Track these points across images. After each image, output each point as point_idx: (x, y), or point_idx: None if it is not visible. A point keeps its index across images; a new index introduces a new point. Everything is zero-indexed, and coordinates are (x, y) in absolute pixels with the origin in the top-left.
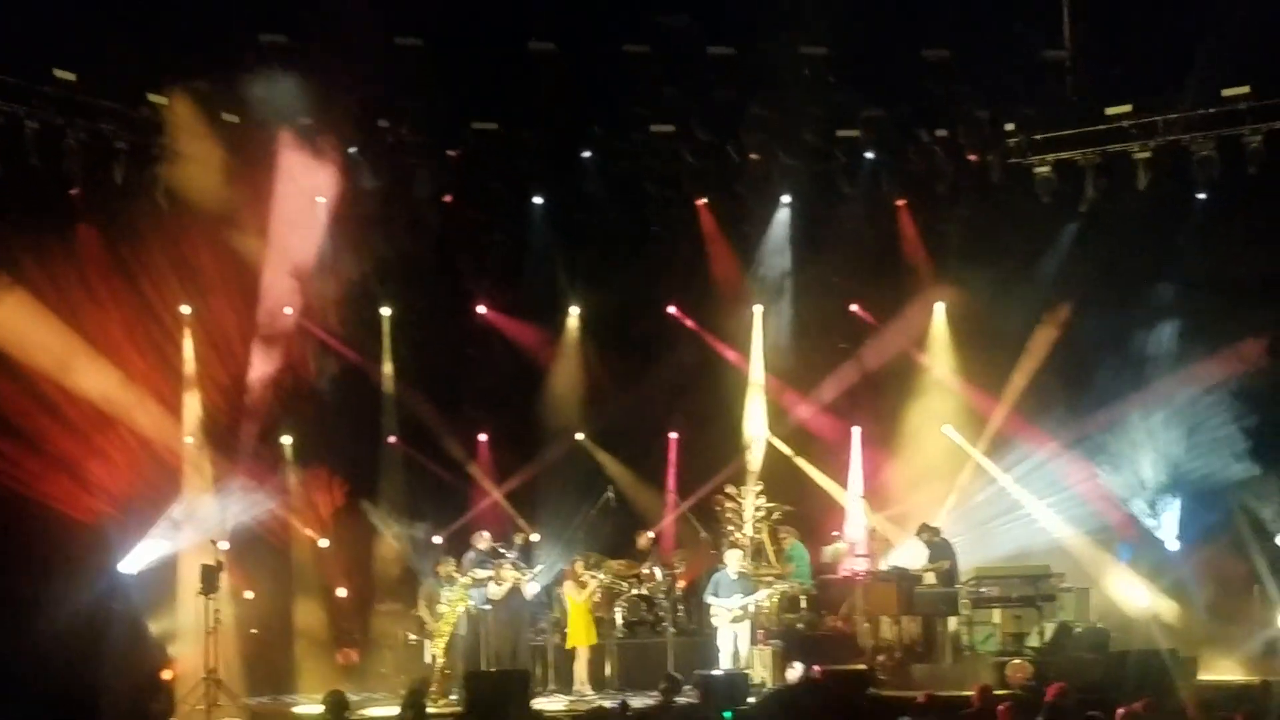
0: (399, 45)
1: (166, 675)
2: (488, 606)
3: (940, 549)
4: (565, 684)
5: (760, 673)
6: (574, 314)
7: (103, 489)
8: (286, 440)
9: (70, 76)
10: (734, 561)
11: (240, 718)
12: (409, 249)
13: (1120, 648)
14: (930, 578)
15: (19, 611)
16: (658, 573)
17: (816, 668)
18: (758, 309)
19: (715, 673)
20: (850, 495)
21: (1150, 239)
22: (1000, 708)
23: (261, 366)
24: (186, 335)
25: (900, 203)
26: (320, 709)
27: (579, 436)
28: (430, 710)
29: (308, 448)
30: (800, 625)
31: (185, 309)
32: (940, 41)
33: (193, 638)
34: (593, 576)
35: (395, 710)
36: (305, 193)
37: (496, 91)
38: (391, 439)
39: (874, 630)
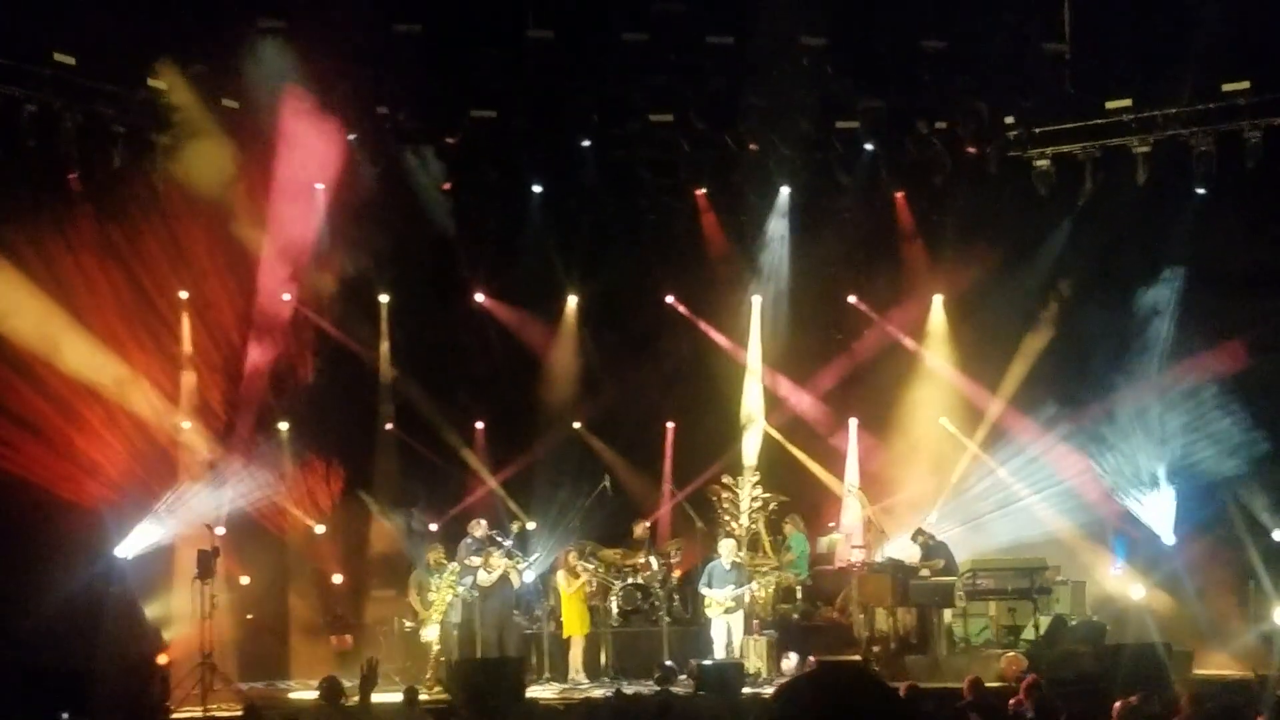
0: (398, 32)
1: (162, 660)
2: (474, 593)
3: (935, 550)
4: (560, 672)
5: (755, 663)
6: (571, 302)
7: (99, 473)
8: (283, 426)
9: (69, 59)
10: (727, 552)
11: (235, 703)
12: (406, 236)
13: (1115, 641)
14: (926, 570)
15: (14, 595)
16: (653, 562)
17: (811, 658)
18: (755, 299)
19: (710, 662)
20: (846, 486)
21: (1148, 233)
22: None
23: (258, 352)
24: (184, 320)
25: (898, 194)
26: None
27: (575, 425)
28: (425, 697)
29: (304, 434)
30: (795, 615)
31: (182, 294)
32: (939, 33)
33: (188, 623)
34: (585, 568)
35: (390, 696)
36: (303, 179)
37: (495, 79)
38: (388, 426)
39: (869, 621)
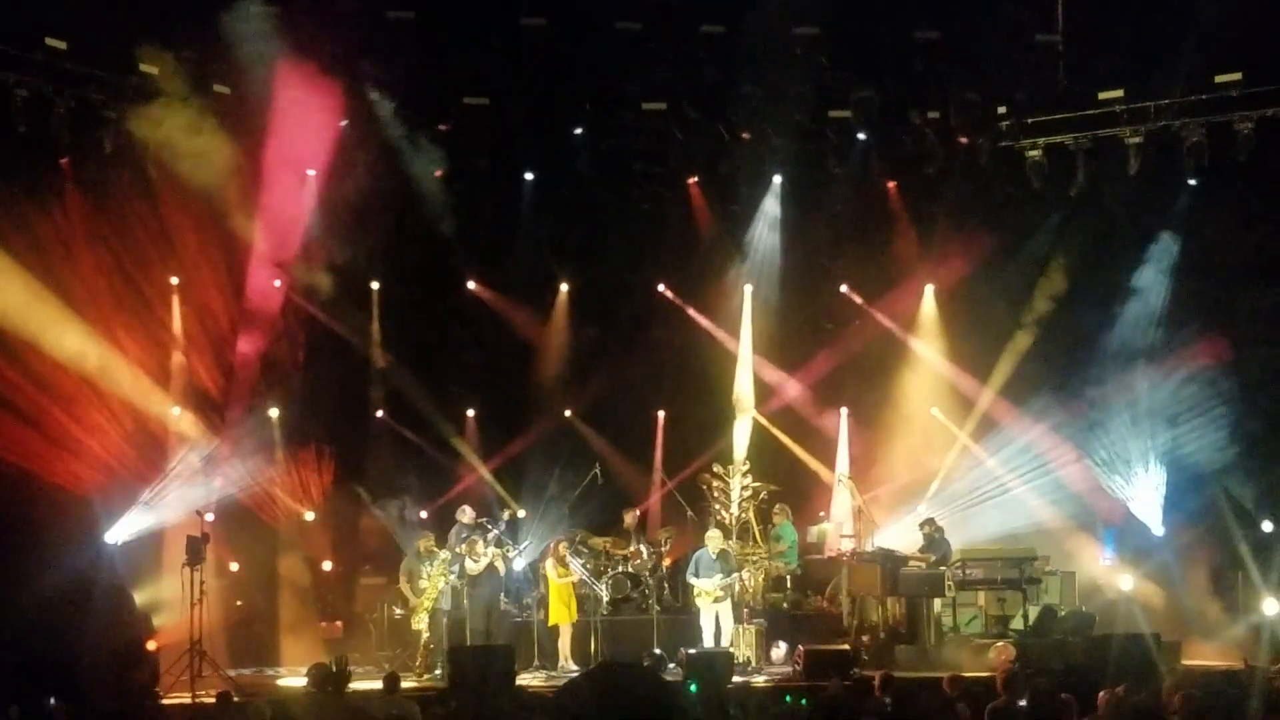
0: (391, 19)
1: (151, 646)
2: (462, 580)
3: (937, 545)
4: (551, 660)
5: (744, 651)
6: (563, 290)
7: (89, 459)
8: (273, 413)
9: (60, 45)
10: (714, 541)
11: (224, 689)
12: (398, 224)
13: (1104, 631)
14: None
15: (3, 581)
16: (644, 550)
17: (801, 647)
18: (747, 288)
19: (698, 650)
20: (837, 475)
21: (1139, 224)
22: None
23: (249, 339)
24: (175, 306)
25: (890, 184)
26: (304, 680)
27: (566, 413)
28: (413, 685)
29: (295, 421)
30: (785, 605)
31: (173, 279)
32: (932, 23)
33: (178, 609)
34: (574, 561)
35: (378, 684)
36: (295, 165)
37: (488, 67)
38: (379, 413)
39: (858, 611)
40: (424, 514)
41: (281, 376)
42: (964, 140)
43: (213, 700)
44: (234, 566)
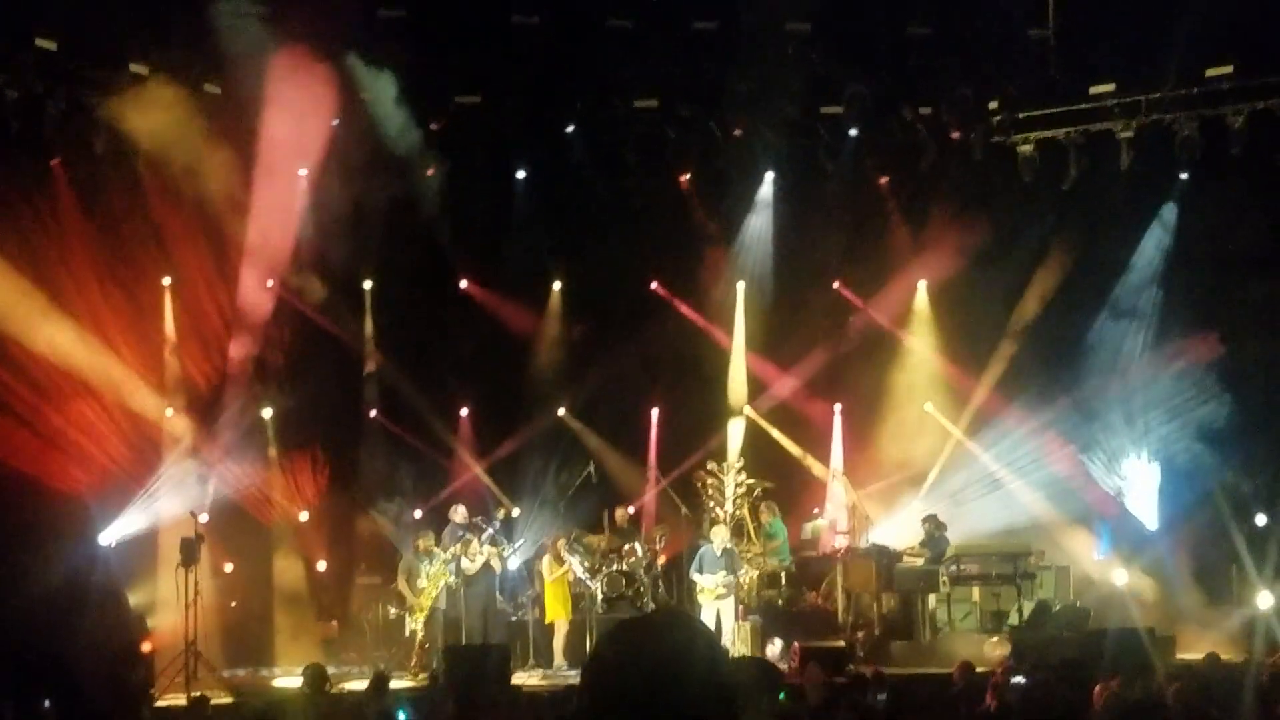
0: (382, 17)
1: (146, 647)
2: (458, 579)
3: (936, 542)
4: (545, 659)
5: (740, 649)
6: (556, 288)
7: (83, 460)
8: (267, 413)
9: (51, 45)
10: (719, 538)
11: (219, 689)
12: (391, 223)
13: (1098, 626)
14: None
15: None
16: (638, 548)
17: (796, 643)
18: (740, 284)
19: None
20: (831, 472)
21: (1132, 217)
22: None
23: (242, 339)
24: (167, 307)
25: (883, 179)
26: (299, 681)
27: (561, 411)
28: (410, 684)
29: (288, 421)
30: (780, 601)
31: (166, 280)
32: (924, 18)
33: (172, 610)
34: (570, 557)
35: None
36: (287, 164)
37: (480, 65)
38: (373, 413)
39: (853, 607)
40: (419, 513)
41: (274, 376)
42: (956, 135)
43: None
44: (229, 567)
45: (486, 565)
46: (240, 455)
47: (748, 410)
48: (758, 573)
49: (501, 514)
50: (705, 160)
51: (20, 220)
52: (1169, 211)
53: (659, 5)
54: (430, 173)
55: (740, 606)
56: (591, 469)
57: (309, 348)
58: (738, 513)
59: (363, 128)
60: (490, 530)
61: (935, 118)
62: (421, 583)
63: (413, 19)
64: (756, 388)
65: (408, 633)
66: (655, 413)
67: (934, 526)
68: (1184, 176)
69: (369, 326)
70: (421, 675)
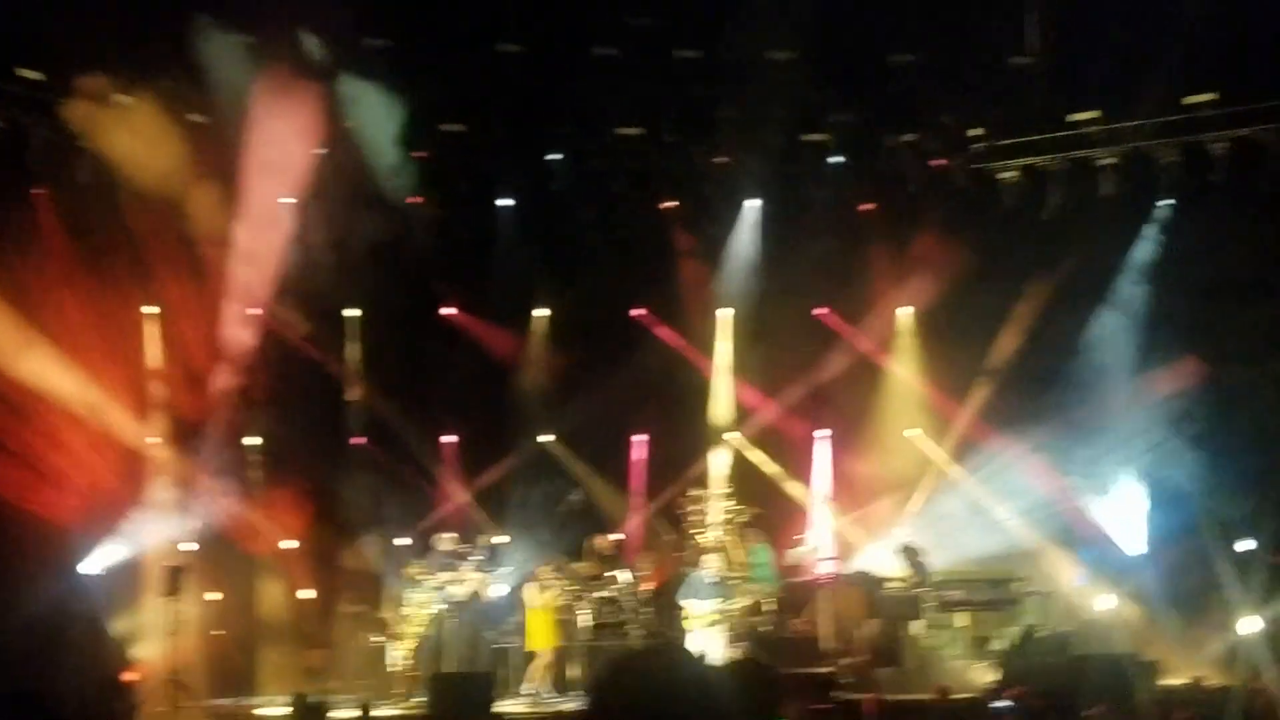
0: (368, 46)
1: (128, 677)
2: (445, 607)
3: (919, 570)
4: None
5: None
6: (542, 315)
7: (65, 488)
8: (251, 441)
9: (36, 75)
10: (713, 565)
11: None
12: (375, 250)
13: (1083, 651)
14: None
15: None
16: (624, 575)
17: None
18: (725, 311)
19: None
20: (816, 498)
21: (1115, 244)
22: None
23: (226, 367)
24: (152, 335)
25: (867, 207)
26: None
27: (546, 438)
28: (393, 712)
29: (273, 449)
30: (765, 628)
31: (151, 309)
32: (907, 46)
33: (156, 639)
34: (558, 582)
35: (358, 713)
36: (272, 194)
37: (465, 93)
38: (357, 441)
39: (839, 633)
40: (404, 541)
41: (258, 404)
42: (939, 162)
43: None
44: (213, 596)
45: (475, 593)
46: (224, 483)
47: (732, 437)
48: (744, 600)
49: (487, 541)
50: (690, 187)
51: (3, 249)
52: (1152, 238)
53: (644, 33)
54: (415, 200)
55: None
56: (577, 496)
57: (293, 375)
58: (723, 539)
59: (348, 156)
60: (477, 558)
61: (918, 145)
62: (408, 610)
63: (398, 48)
64: (741, 414)
65: (390, 660)
66: (640, 440)
67: (910, 555)
68: (1166, 204)
69: (354, 354)
70: (409, 703)
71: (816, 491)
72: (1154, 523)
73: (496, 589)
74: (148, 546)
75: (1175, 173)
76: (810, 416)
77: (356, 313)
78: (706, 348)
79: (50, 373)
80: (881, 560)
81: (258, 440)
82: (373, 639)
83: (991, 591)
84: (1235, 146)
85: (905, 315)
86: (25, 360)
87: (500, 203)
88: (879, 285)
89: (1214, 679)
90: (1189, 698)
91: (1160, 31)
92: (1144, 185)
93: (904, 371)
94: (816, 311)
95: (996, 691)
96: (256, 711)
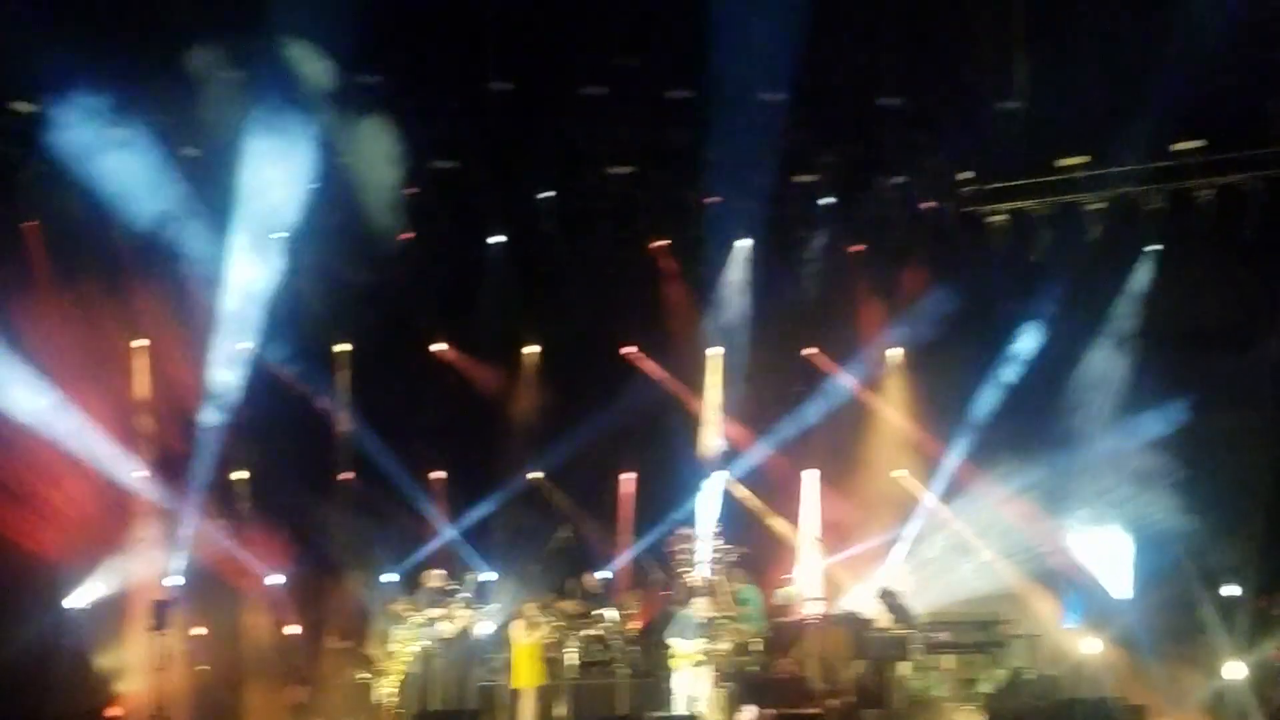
0: (359, 83)
1: (113, 712)
2: (432, 644)
3: (900, 612)
4: None
5: (714, 716)
6: (530, 353)
7: (52, 522)
8: (239, 476)
9: (30, 108)
10: (699, 604)
11: None
12: (365, 286)
13: (1070, 695)
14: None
15: None
16: (611, 614)
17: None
18: (714, 351)
19: (667, 714)
20: (804, 538)
21: (1101, 289)
22: None
23: (215, 402)
24: (140, 368)
25: (856, 248)
26: None
27: (534, 475)
28: None
29: (260, 484)
30: (752, 668)
31: (140, 342)
32: (896, 89)
33: (141, 674)
34: (546, 620)
35: None
36: (263, 228)
37: (455, 130)
38: (345, 476)
39: (826, 674)
40: (391, 577)
41: (247, 439)
42: (928, 205)
43: None
44: (198, 631)
45: (464, 629)
46: (211, 518)
47: (721, 476)
48: (731, 639)
49: (473, 579)
50: (679, 227)
51: None
52: (1138, 283)
53: (633, 73)
54: (405, 237)
55: (716, 673)
56: (565, 533)
57: (282, 411)
58: (711, 578)
59: (338, 192)
60: (464, 595)
61: (907, 187)
62: (394, 647)
63: (389, 85)
64: (730, 453)
65: (375, 698)
66: (629, 478)
67: (890, 599)
68: (1153, 249)
69: (343, 389)
70: None
71: (804, 531)
72: (1140, 567)
73: (484, 626)
74: (133, 581)
75: (1161, 219)
76: (798, 456)
77: (346, 348)
78: (695, 386)
79: (38, 406)
80: (868, 602)
81: (245, 475)
82: (359, 676)
83: (978, 634)
84: (1221, 194)
85: (893, 356)
86: (13, 393)
87: (490, 240)
88: (867, 326)
89: None
90: None
91: (1147, 78)
92: (1131, 231)
93: (892, 412)
94: (805, 351)
95: None
96: None
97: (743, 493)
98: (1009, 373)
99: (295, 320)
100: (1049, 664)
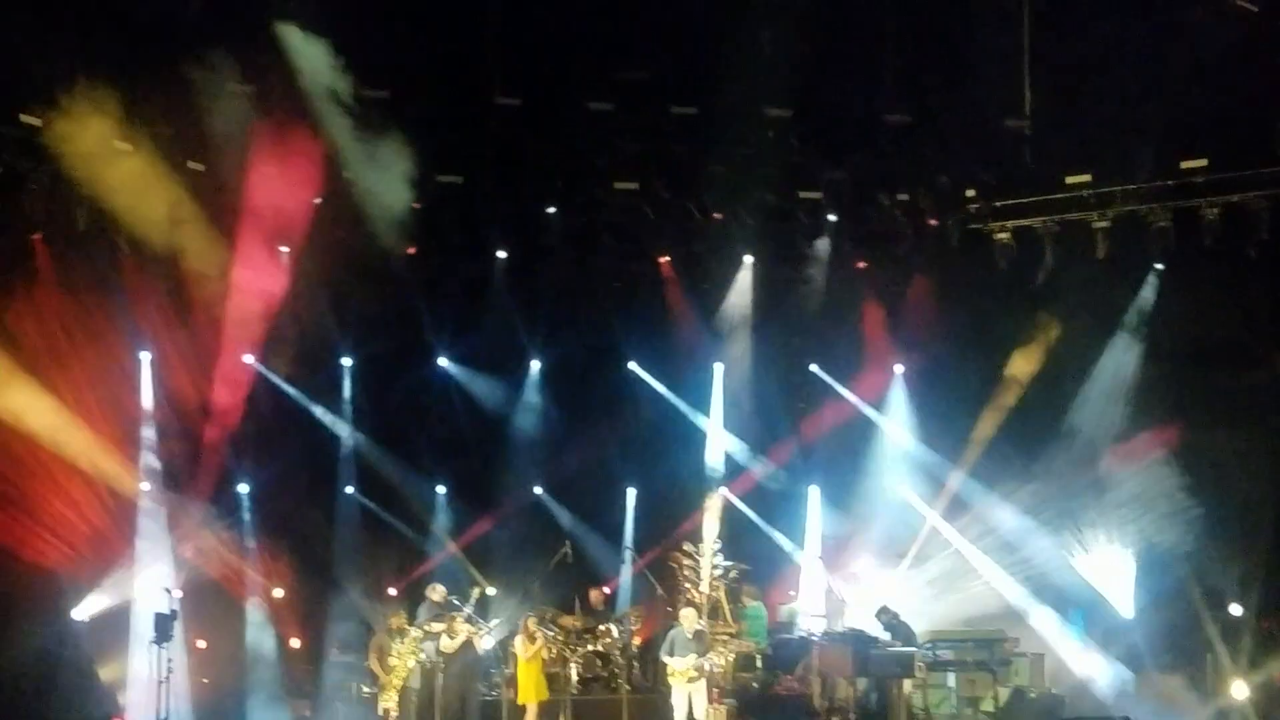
0: (366, 97)
1: None
2: (434, 658)
3: (897, 630)
4: None
5: None
6: (534, 367)
7: (57, 534)
8: (243, 489)
9: (35, 121)
10: (689, 620)
11: None
12: (371, 299)
13: (1073, 714)
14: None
15: None
16: (613, 629)
17: None
18: (718, 366)
19: None
20: (807, 555)
21: (1107, 306)
22: None
23: (220, 415)
24: (146, 381)
25: (861, 264)
26: None
27: (537, 490)
28: None
29: (264, 497)
30: (755, 684)
31: (145, 355)
32: (902, 106)
33: (144, 686)
34: (544, 634)
35: None
36: (268, 241)
37: (461, 145)
38: (349, 489)
39: (828, 691)
40: (393, 591)
41: (251, 452)
42: (933, 222)
43: None
44: (201, 644)
45: (467, 644)
46: (215, 531)
47: (724, 491)
48: (733, 655)
49: (475, 593)
50: (684, 242)
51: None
52: (1143, 301)
53: (639, 89)
54: (411, 251)
55: (715, 690)
56: (568, 548)
57: (286, 424)
58: (714, 594)
59: (344, 206)
60: (467, 609)
61: (913, 204)
62: (392, 661)
63: (396, 99)
64: (733, 469)
65: (380, 711)
66: (631, 493)
67: (889, 617)
68: (1158, 267)
69: (346, 403)
70: None
71: (807, 548)
72: (1144, 586)
73: (486, 641)
74: (138, 593)
75: (1166, 237)
76: (802, 472)
77: (350, 361)
78: (699, 402)
79: (43, 418)
80: (870, 619)
81: (248, 488)
82: (364, 690)
83: (982, 652)
84: (1226, 212)
85: (897, 373)
86: (18, 406)
87: (495, 254)
88: (871, 342)
89: None
90: None
91: (1152, 97)
92: (1136, 249)
93: (895, 429)
94: (809, 367)
95: None
96: None
97: (745, 508)
98: (1012, 390)
99: (300, 333)
100: (1053, 683)
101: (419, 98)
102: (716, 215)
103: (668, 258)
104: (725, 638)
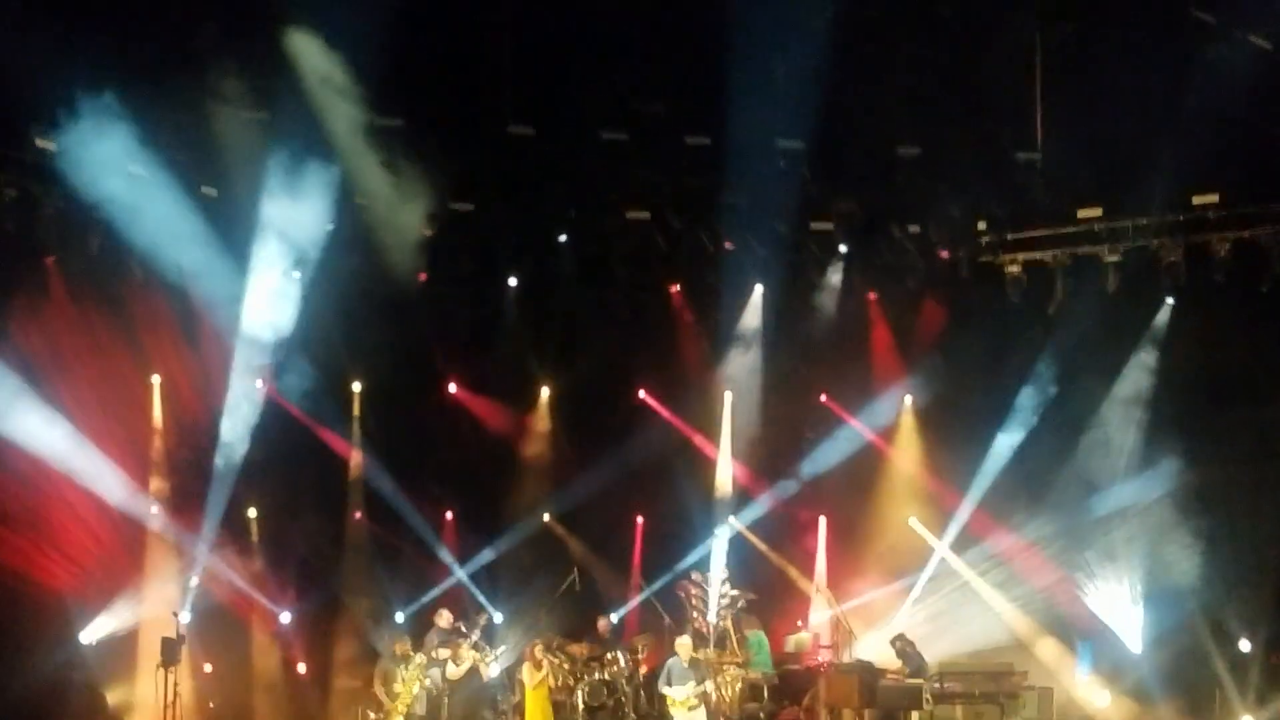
0: (378, 125)
1: None
2: (441, 685)
3: (909, 659)
4: None
5: None
6: (544, 395)
7: (65, 557)
8: (252, 513)
9: (50, 146)
10: (685, 649)
11: None
12: (381, 326)
13: None
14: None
15: None
16: (620, 657)
17: None
18: (728, 395)
19: None
20: (815, 585)
21: (1118, 341)
22: None
23: (229, 439)
24: (156, 405)
25: (871, 295)
26: None
27: (545, 517)
28: None
29: (273, 521)
30: (762, 715)
31: (156, 378)
32: (913, 139)
33: (151, 710)
34: (550, 661)
35: None
36: (280, 267)
37: (473, 172)
38: (357, 515)
39: None
40: (400, 617)
41: (260, 477)
42: (944, 254)
43: None
44: (208, 667)
45: (473, 671)
46: (223, 555)
47: (733, 521)
48: (739, 685)
49: (482, 620)
50: (695, 272)
51: (12, 316)
52: (1154, 335)
53: (652, 119)
54: (422, 278)
55: (722, 718)
56: (575, 576)
57: (296, 449)
58: (721, 623)
59: (356, 232)
60: (473, 636)
61: (924, 236)
62: (397, 687)
63: (409, 127)
64: (742, 498)
65: None
66: (640, 521)
67: (904, 644)
68: (1169, 301)
69: (356, 429)
70: None
71: (816, 578)
72: (1153, 620)
73: (492, 668)
74: (146, 617)
75: (1178, 271)
76: (811, 502)
77: (360, 387)
78: (709, 431)
79: (54, 441)
80: (879, 649)
81: (257, 512)
82: (373, 716)
83: (990, 684)
84: (1237, 247)
85: (908, 404)
86: (30, 429)
87: (506, 281)
88: (881, 373)
89: None
90: None
91: (1165, 132)
92: (1147, 283)
93: (905, 460)
94: (819, 397)
95: None
96: None
97: (754, 538)
98: (1023, 422)
99: (310, 358)
100: (1060, 716)
101: (432, 125)
102: (728, 245)
103: (679, 286)
104: (733, 667)
